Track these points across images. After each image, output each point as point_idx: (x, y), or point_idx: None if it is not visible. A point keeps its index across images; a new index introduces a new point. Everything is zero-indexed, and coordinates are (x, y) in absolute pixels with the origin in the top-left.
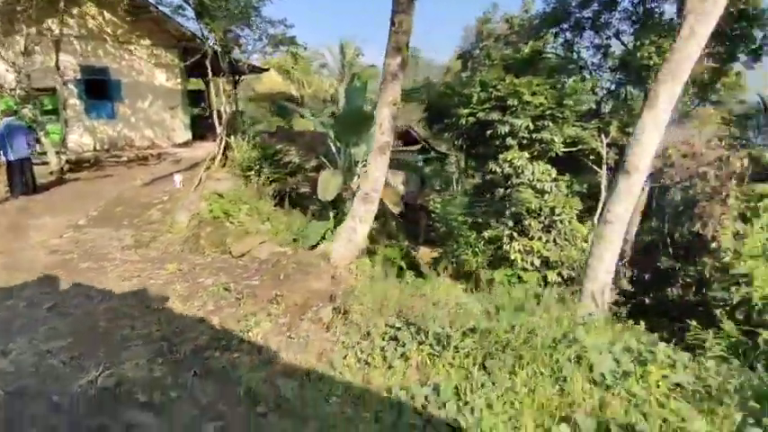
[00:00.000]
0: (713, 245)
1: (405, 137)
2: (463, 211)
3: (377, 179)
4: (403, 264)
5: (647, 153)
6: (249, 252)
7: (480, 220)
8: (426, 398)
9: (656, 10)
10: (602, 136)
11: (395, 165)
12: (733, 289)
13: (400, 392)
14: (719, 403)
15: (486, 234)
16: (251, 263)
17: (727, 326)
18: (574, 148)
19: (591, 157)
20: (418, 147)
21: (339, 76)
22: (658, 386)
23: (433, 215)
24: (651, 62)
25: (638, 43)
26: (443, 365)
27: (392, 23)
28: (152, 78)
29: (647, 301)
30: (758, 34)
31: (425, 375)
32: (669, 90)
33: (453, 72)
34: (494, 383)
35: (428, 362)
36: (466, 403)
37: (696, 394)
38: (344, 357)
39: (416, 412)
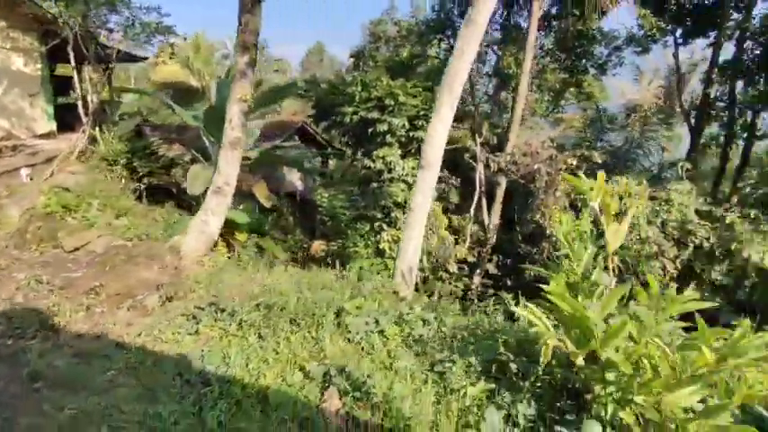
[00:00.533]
0: (548, 231)
1: (300, 132)
2: (344, 204)
3: (229, 174)
4: (281, 256)
5: (437, 150)
6: (85, 246)
7: (369, 213)
8: (191, 362)
9: (520, 24)
10: (476, 136)
11: (283, 161)
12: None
13: (176, 359)
14: (426, 347)
15: (376, 226)
16: (84, 257)
17: (506, 295)
18: (450, 147)
19: (467, 155)
20: (294, 143)
21: None
22: (395, 339)
23: (320, 209)
24: (512, 71)
25: (502, 54)
26: (227, 336)
27: (239, 23)
28: (8, 63)
29: (509, 282)
30: (604, 51)
31: (209, 346)
32: (448, 99)
33: (350, 70)
34: (261, 347)
35: (216, 334)
36: (226, 363)
37: (421, 342)
38: (139, 336)
39: (178, 373)
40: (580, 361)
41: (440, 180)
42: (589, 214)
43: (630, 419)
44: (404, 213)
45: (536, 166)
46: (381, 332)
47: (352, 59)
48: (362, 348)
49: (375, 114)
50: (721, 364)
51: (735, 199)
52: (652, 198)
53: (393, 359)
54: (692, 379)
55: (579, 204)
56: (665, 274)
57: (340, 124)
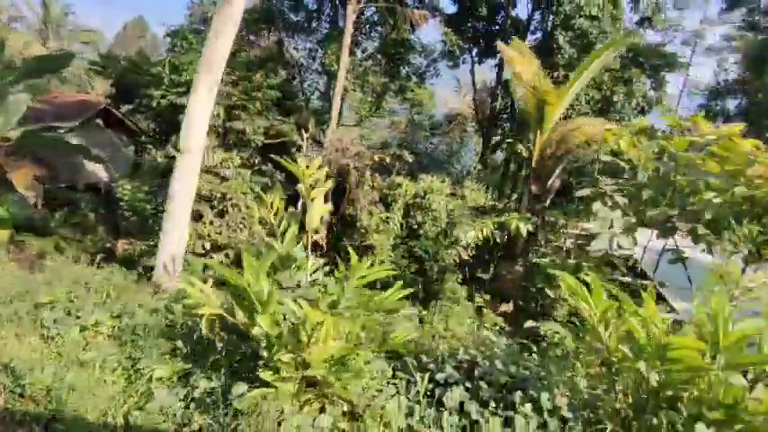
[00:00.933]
0: (358, 223)
1: (105, 115)
2: (146, 198)
3: None
4: (62, 256)
5: (197, 134)
6: None
7: None
8: None
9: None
10: (302, 131)
11: (60, 144)
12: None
13: None
14: (130, 335)
15: None
16: None
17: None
18: (277, 141)
19: (294, 150)
20: (88, 127)
21: (41, 34)
22: (101, 330)
23: (121, 203)
24: (333, 68)
25: (325, 52)
26: None
27: None
28: None
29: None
30: (423, 61)
31: None
32: (206, 80)
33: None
34: None
35: None
36: None
37: (130, 332)
38: None
39: None
40: (258, 330)
41: (263, 174)
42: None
43: (270, 378)
44: (212, 208)
45: (344, 162)
46: (85, 325)
47: (168, 39)
48: (56, 343)
49: (186, 100)
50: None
51: (514, 195)
52: (452, 194)
53: (86, 351)
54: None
55: (389, 199)
56: (460, 259)
57: (147, 108)
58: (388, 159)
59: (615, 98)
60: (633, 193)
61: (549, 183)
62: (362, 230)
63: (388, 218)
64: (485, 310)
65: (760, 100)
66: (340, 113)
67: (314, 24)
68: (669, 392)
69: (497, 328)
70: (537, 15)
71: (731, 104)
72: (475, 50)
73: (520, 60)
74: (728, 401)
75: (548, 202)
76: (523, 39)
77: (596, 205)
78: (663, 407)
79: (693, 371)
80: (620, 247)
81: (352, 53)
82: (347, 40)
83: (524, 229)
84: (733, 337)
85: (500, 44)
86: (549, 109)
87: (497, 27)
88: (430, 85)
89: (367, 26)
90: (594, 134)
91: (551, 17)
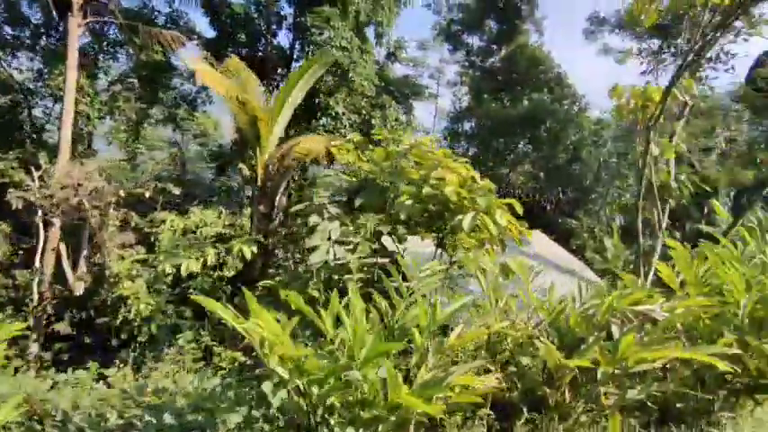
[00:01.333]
0: (108, 272)
1: None
2: None
3: None
4: None
5: None
6: None
7: None
8: None
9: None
10: (32, 169)
11: None
12: (122, 310)
13: None
14: None
15: None
16: None
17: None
18: None
19: (19, 193)
20: None
21: None
22: None
23: None
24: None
25: (49, 73)
26: None
27: None
28: None
29: (86, 339)
30: (193, 88)
31: None
32: None
33: None
34: None
35: None
36: None
37: None
38: None
39: None
40: None
41: None
42: None
43: None
44: None
45: (76, 201)
46: None
47: None
48: None
49: None
50: None
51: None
52: (231, 225)
53: None
54: None
55: (152, 238)
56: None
57: None
58: (147, 194)
59: (373, 121)
60: (346, 204)
61: (276, 200)
62: (112, 279)
63: (155, 260)
64: (216, 349)
65: (484, 123)
66: (89, 145)
67: (42, 42)
68: (323, 403)
69: (236, 364)
70: (298, 44)
71: (467, 126)
72: None
73: (212, 75)
74: (371, 398)
75: (278, 220)
76: (288, 66)
77: (313, 218)
78: (322, 420)
79: (329, 375)
80: (336, 257)
81: (92, 76)
82: (72, 58)
83: (248, 251)
84: (352, 330)
85: (187, 58)
86: (262, 125)
87: (261, 53)
88: (203, 112)
89: (108, 45)
90: (319, 150)
91: (310, 47)
